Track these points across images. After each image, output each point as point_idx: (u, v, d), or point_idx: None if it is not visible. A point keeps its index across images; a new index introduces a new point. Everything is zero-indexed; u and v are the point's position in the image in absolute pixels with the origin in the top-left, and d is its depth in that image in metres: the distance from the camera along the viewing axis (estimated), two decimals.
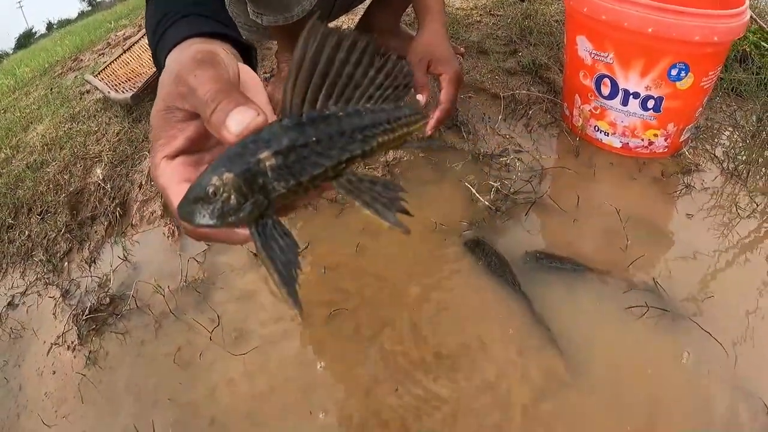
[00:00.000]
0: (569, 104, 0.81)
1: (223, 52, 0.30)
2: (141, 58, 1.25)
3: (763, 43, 1.08)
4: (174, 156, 0.28)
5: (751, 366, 0.53)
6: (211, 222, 0.23)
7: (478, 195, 0.67)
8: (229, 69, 0.29)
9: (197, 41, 0.33)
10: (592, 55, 0.72)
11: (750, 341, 0.55)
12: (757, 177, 0.78)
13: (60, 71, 1.86)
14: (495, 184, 0.68)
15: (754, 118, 0.88)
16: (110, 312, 0.74)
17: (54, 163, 1.08)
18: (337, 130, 0.23)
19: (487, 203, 0.67)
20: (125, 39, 1.75)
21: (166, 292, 0.73)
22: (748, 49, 1.09)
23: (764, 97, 0.93)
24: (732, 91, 0.97)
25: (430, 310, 0.59)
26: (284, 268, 0.23)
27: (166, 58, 0.33)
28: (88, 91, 1.34)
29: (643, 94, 0.70)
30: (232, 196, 0.23)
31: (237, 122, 0.24)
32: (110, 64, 1.29)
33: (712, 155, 0.80)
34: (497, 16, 1.13)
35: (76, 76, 1.63)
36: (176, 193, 0.26)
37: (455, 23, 1.12)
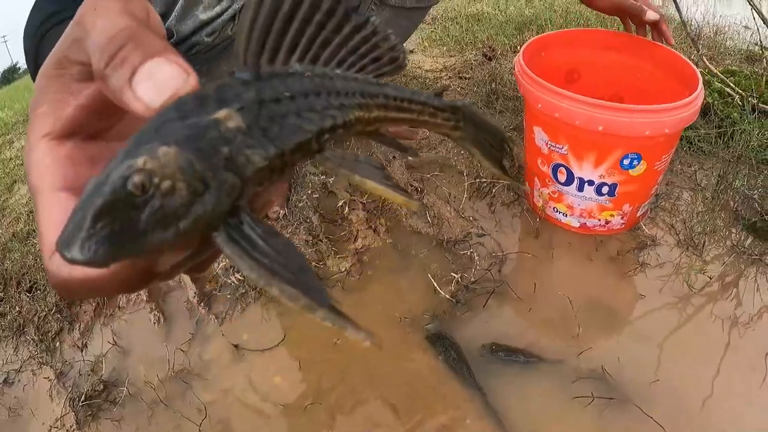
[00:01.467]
0: (530, 185, 0.91)
1: None
2: None
3: (728, 90, 1.16)
4: (62, 136, 0.20)
5: None
6: (143, 241, 0.14)
7: (438, 288, 0.79)
8: (139, 3, 0.21)
9: None
10: (548, 146, 0.81)
11: (691, 424, 0.65)
12: (714, 244, 0.89)
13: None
14: (456, 276, 0.80)
15: (713, 179, 0.98)
16: (105, 398, 0.87)
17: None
18: (311, 89, 0.19)
19: (447, 296, 0.78)
20: None
21: (156, 380, 0.85)
22: (710, 100, 1.18)
23: (727, 152, 1.03)
24: (693, 147, 1.06)
25: (389, 405, 0.71)
26: (297, 279, 0.16)
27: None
28: None
29: (597, 181, 0.80)
30: (180, 185, 0.15)
31: (152, 85, 0.17)
32: None
33: (670, 225, 0.90)
34: (465, 79, 1.22)
35: None
36: (51, 203, 0.19)
37: (424, 88, 1.21)
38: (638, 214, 0.88)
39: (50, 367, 0.93)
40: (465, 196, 0.93)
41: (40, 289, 1.04)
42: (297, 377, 0.78)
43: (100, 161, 0.20)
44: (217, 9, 0.64)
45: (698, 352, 0.73)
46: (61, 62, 0.20)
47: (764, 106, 1.20)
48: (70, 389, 0.89)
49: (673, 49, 0.88)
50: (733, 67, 1.35)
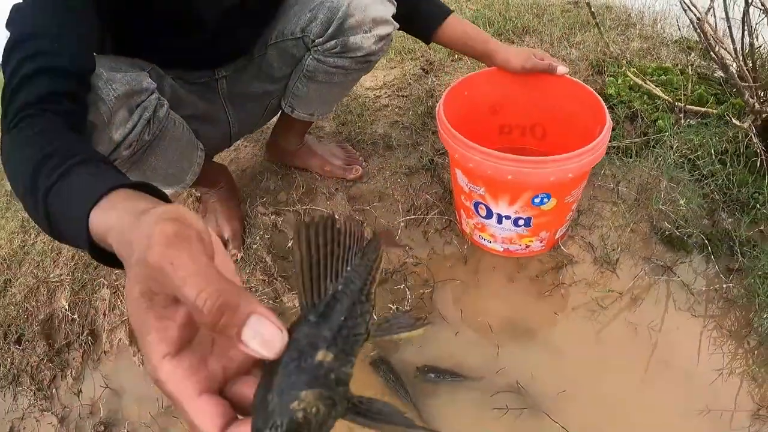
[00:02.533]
0: (458, 214, 1.08)
1: (191, 214, 0.29)
2: None
3: (656, 91, 1.31)
4: (177, 352, 0.27)
5: None
6: None
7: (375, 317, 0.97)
8: (204, 242, 0.28)
9: (130, 195, 0.35)
10: (468, 186, 0.97)
11: (593, 427, 0.83)
12: (629, 258, 1.06)
13: None
14: (392, 307, 0.98)
15: (634, 191, 1.16)
16: None
17: (17, 283, 1.37)
18: (350, 301, 0.29)
19: None
20: None
21: (149, 417, 1.05)
22: (638, 105, 1.33)
23: (649, 163, 1.19)
24: (620, 158, 1.22)
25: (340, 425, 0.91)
26: (397, 421, 0.29)
27: (87, 212, 0.35)
28: None
29: (513, 216, 0.95)
30: (322, 407, 0.25)
31: (261, 344, 0.25)
32: None
33: (588, 243, 1.07)
34: (404, 97, 1.37)
35: None
36: (198, 410, 0.26)
37: (365, 110, 1.36)
38: (557, 237, 1.05)
39: (51, 413, 1.11)
40: (401, 225, 1.10)
41: (28, 340, 1.22)
42: None
43: (205, 365, 0.28)
44: (129, 125, 0.72)
45: (605, 364, 0.91)
46: (147, 294, 0.26)
47: (692, 107, 1.36)
48: None
49: (586, 85, 1.04)
50: (667, 64, 1.50)
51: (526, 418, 0.86)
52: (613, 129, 1.30)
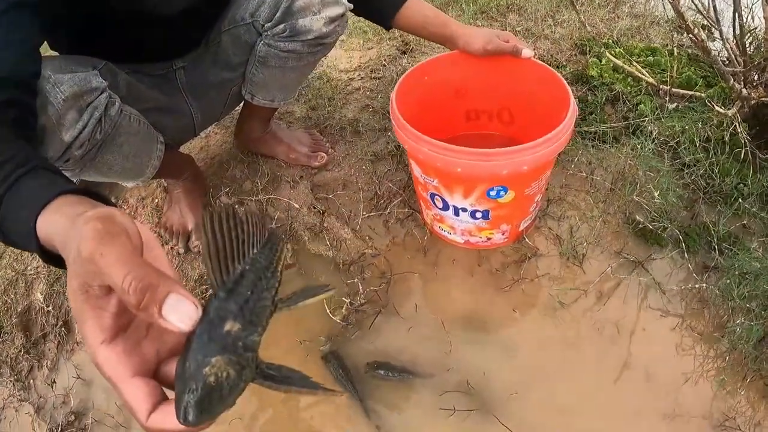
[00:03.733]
0: (419, 205, 1.05)
1: (119, 214, 0.33)
2: None
3: (638, 73, 1.24)
4: (111, 338, 0.30)
5: None
6: (230, 402, 0.29)
7: (330, 313, 0.96)
8: (131, 236, 0.31)
9: (72, 200, 0.38)
10: (423, 178, 0.93)
11: (544, 430, 0.80)
12: (597, 252, 1.00)
13: None
14: (346, 301, 0.96)
15: (609, 181, 1.10)
16: (77, 427, 1.09)
17: None
18: (254, 277, 0.33)
19: (338, 320, 0.95)
20: None
21: (115, 407, 1.07)
22: (621, 88, 1.25)
23: (628, 149, 1.13)
24: (596, 145, 1.16)
25: (290, 417, 0.90)
26: (302, 384, 0.34)
27: (35, 219, 0.38)
28: None
29: (469, 209, 0.91)
30: (231, 371, 0.29)
31: (179, 318, 0.28)
32: None
33: (555, 235, 1.02)
34: (377, 79, 1.33)
35: None
36: (131, 391, 0.30)
37: (336, 93, 1.33)
38: (520, 228, 1.01)
39: (29, 402, 1.15)
40: (363, 215, 1.08)
41: (7, 332, 1.25)
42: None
43: (138, 350, 0.32)
44: (79, 125, 0.72)
45: (561, 365, 0.87)
46: (83, 287, 0.30)
47: (678, 90, 1.28)
48: (48, 422, 1.11)
49: (551, 69, 0.98)
50: (657, 43, 1.42)
51: (475, 420, 0.83)
52: (592, 113, 1.24)
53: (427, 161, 0.86)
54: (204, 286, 1.07)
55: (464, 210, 0.93)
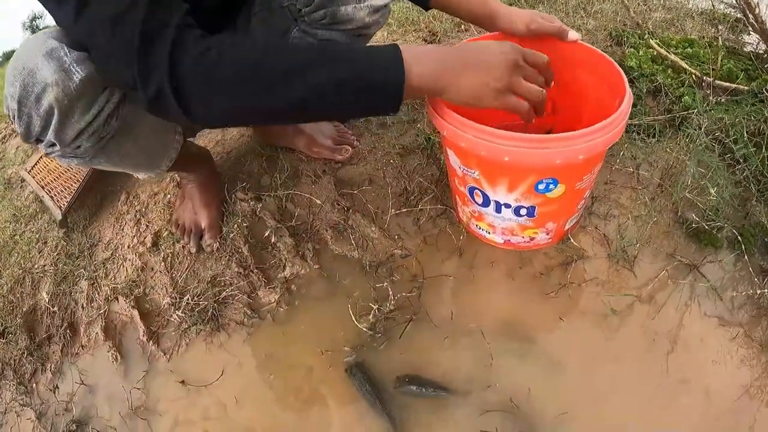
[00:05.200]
0: (454, 201, 0.90)
1: None
2: None
3: (682, 63, 1.09)
4: None
5: None
6: None
7: (355, 321, 0.80)
8: None
9: None
10: (462, 169, 0.78)
11: None
12: (648, 254, 0.84)
13: (3, 134, 1.98)
14: (374, 307, 0.81)
15: (657, 176, 0.94)
16: None
17: (6, 274, 1.25)
18: None
19: (364, 328, 0.80)
20: None
21: (118, 418, 0.92)
22: (662, 79, 1.10)
23: (675, 143, 0.98)
24: (639, 137, 1.01)
25: None
26: None
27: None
28: (24, 179, 1.48)
29: (513, 204, 0.76)
30: None
31: None
32: (42, 156, 1.41)
33: (602, 236, 0.87)
34: None
35: (17, 148, 1.76)
36: None
37: None
38: (566, 228, 0.86)
39: (30, 408, 1.00)
40: (391, 212, 0.92)
41: (11, 332, 1.11)
42: (232, 412, 0.83)
43: None
44: (93, 110, 0.63)
45: (614, 381, 0.72)
46: None
47: (721, 83, 1.13)
48: (49, 429, 0.96)
49: (603, 53, 0.83)
50: (693, 35, 1.27)
51: None
52: (634, 105, 1.09)
53: (469, 149, 0.71)
54: (217, 288, 0.92)
55: (507, 206, 0.78)
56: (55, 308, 1.11)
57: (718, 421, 0.68)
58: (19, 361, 1.09)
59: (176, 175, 1.02)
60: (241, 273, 0.91)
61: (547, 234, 0.84)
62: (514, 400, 0.71)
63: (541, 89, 0.64)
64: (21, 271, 1.22)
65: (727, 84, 1.15)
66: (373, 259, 0.88)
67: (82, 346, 1.05)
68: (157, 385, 0.91)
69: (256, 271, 0.90)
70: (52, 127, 0.61)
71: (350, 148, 1.02)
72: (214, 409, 0.84)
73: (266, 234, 0.92)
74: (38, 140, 0.65)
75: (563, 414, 0.69)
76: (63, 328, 1.08)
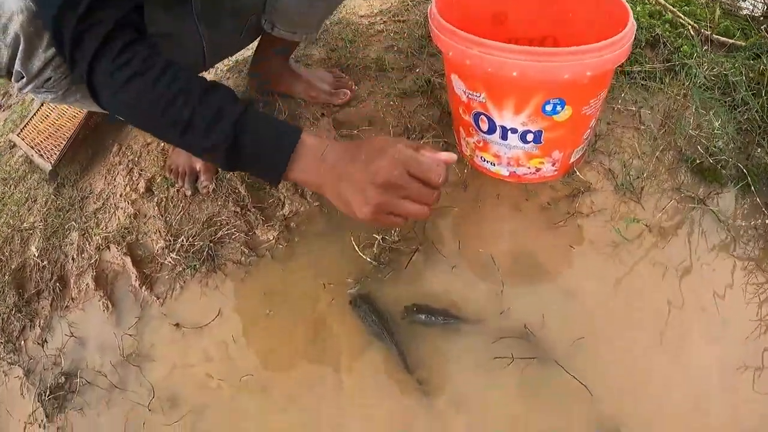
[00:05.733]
0: (457, 134, 0.85)
1: None
2: (58, 107, 1.31)
3: (680, 19, 1.06)
4: None
5: (614, 405, 0.60)
6: None
7: (359, 252, 0.76)
8: None
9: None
10: (467, 94, 0.75)
11: (613, 381, 0.62)
12: (654, 188, 0.81)
13: None
14: (377, 237, 0.76)
15: (658, 117, 0.91)
16: (68, 389, 0.87)
17: None
18: None
19: (369, 259, 0.75)
20: None
21: (109, 366, 0.86)
22: (660, 31, 1.08)
23: (676, 87, 0.95)
24: (638, 83, 0.98)
25: (314, 375, 0.70)
26: None
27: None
28: (14, 145, 1.41)
29: (520, 129, 0.73)
30: None
31: None
32: (31, 119, 1.35)
33: (608, 169, 0.83)
34: (401, 22, 1.14)
35: (5, 120, 1.69)
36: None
37: (358, 36, 1.13)
38: (571, 160, 0.82)
39: (18, 365, 0.94)
40: None
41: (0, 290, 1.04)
42: (232, 352, 0.77)
43: None
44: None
45: (628, 308, 0.69)
46: None
47: (718, 37, 1.11)
48: (37, 385, 0.90)
49: None
50: None
51: (536, 370, 0.65)
52: (633, 53, 1.06)
53: (475, 67, 0.67)
54: (213, 228, 0.86)
55: (514, 131, 0.74)
56: (45, 262, 1.04)
57: (736, 349, 0.64)
58: (7, 318, 1.02)
59: None
60: (237, 212, 0.86)
61: (553, 165, 0.80)
62: (528, 327, 0.66)
63: (422, 207, 0.57)
64: (10, 230, 1.15)
65: (725, 39, 1.13)
66: None
67: (72, 298, 0.98)
68: (151, 331, 0.85)
69: (253, 210, 0.85)
70: (18, 57, 0.58)
71: (348, 92, 0.98)
72: (214, 351, 0.78)
73: None
74: (8, 73, 0.61)
75: (580, 339, 0.65)
76: (52, 281, 1.01)
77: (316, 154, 0.56)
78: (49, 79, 0.62)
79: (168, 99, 0.54)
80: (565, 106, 0.71)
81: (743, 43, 1.10)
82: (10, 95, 1.92)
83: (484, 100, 0.73)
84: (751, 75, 0.99)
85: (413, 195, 0.56)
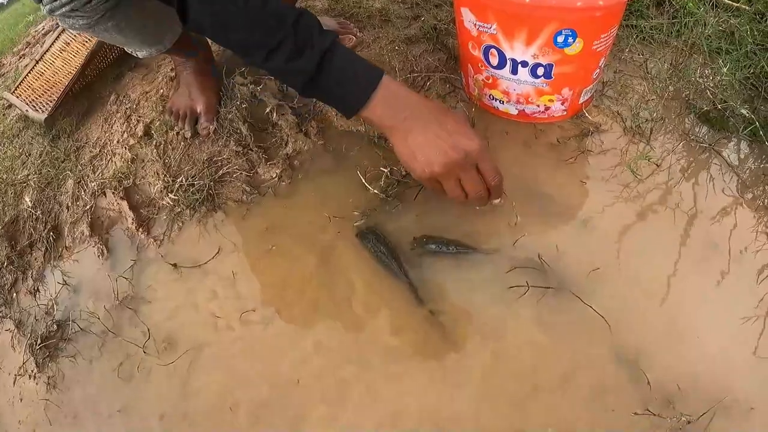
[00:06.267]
0: (464, 73, 0.82)
1: None
2: (54, 65, 1.26)
3: None
4: None
5: (631, 335, 0.58)
6: None
7: (366, 184, 0.72)
8: None
9: None
10: (477, 27, 0.72)
11: (630, 311, 0.60)
12: (663, 133, 0.80)
13: None
14: (385, 170, 0.73)
15: (666, 65, 0.89)
16: (59, 337, 0.82)
17: None
18: None
19: (376, 191, 0.72)
20: (44, 35, 1.73)
21: (103, 311, 0.81)
22: None
23: (680, 41, 0.93)
24: (644, 36, 0.96)
25: (322, 305, 0.66)
26: None
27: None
28: (10, 106, 1.36)
29: (531, 62, 0.70)
30: None
31: None
32: (26, 77, 1.29)
33: (616, 113, 0.80)
34: None
35: None
36: None
37: None
38: (581, 101, 0.79)
39: (9, 318, 0.89)
40: None
41: None
42: (233, 288, 0.73)
43: None
44: None
45: (642, 241, 0.66)
46: None
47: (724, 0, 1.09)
48: (28, 336, 0.85)
49: None
50: None
51: (551, 300, 0.62)
52: (638, 10, 1.04)
53: None
54: (214, 167, 0.82)
55: (524, 65, 0.71)
56: (39, 213, 0.99)
57: (751, 283, 0.62)
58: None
59: (174, 59, 0.92)
60: (239, 152, 0.82)
61: (563, 104, 0.77)
62: (542, 257, 0.63)
63: (480, 192, 0.61)
64: (3, 184, 1.10)
65: (729, 2, 1.10)
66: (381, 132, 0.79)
67: (66, 247, 0.94)
68: (147, 273, 0.81)
69: (255, 149, 0.81)
70: None
71: (353, 37, 0.94)
72: (213, 289, 0.74)
73: (266, 111, 0.83)
74: None
75: (595, 270, 0.62)
76: (46, 231, 0.96)
77: (394, 98, 0.56)
78: (92, 0, 0.57)
79: (261, 20, 0.51)
80: (577, 38, 0.68)
81: (747, 8, 1.08)
82: (3, 64, 1.87)
83: (495, 32, 0.70)
84: (756, 33, 0.97)
85: (470, 181, 0.59)
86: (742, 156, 0.80)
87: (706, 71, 0.88)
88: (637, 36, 0.94)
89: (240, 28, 0.52)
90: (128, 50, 0.74)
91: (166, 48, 0.76)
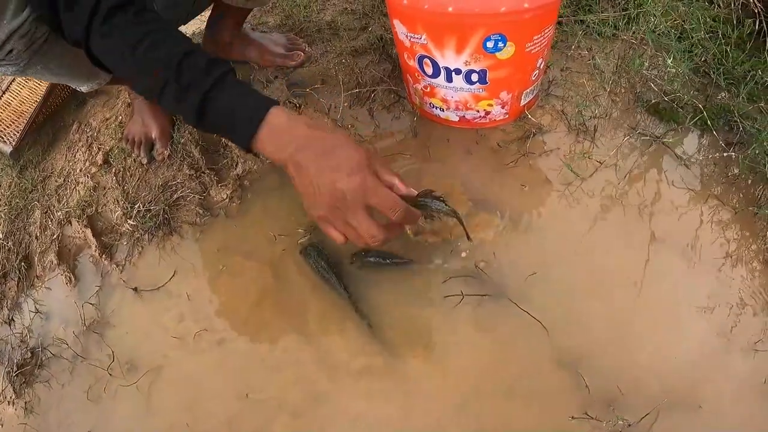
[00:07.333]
0: (406, 83, 0.83)
1: None
2: (20, 94, 1.29)
3: None
4: None
5: (571, 339, 0.59)
6: None
7: None
8: None
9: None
10: (409, 38, 0.72)
11: (569, 316, 0.61)
12: (609, 128, 0.80)
13: None
14: None
15: (614, 60, 0.89)
16: (34, 364, 0.86)
17: None
18: None
19: None
20: None
21: (72, 336, 0.84)
22: None
23: (630, 35, 0.93)
24: (593, 30, 0.96)
25: (268, 318, 0.68)
26: None
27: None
28: None
29: (464, 69, 0.71)
30: None
31: None
32: None
33: (560, 112, 0.81)
34: None
35: None
36: None
37: (312, 1, 1.12)
38: (523, 103, 0.80)
39: None
40: (344, 105, 0.86)
41: None
42: (189, 309, 0.76)
43: None
44: (25, 13, 0.57)
45: (583, 242, 0.67)
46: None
47: None
48: (6, 364, 0.88)
49: None
50: None
51: (489, 307, 0.63)
52: (588, 2, 1.05)
53: (412, 7, 0.65)
54: (168, 192, 0.85)
55: (458, 72, 0.72)
56: (10, 244, 1.02)
57: (699, 279, 0.63)
58: None
59: (124, 89, 0.94)
60: (192, 175, 0.84)
61: (503, 107, 0.78)
62: (479, 266, 0.64)
63: (359, 238, 0.55)
64: None
65: None
66: None
67: (37, 276, 0.97)
68: (111, 298, 0.84)
69: (207, 171, 0.83)
70: None
71: (302, 53, 0.96)
72: (169, 310, 0.77)
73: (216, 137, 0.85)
74: None
75: (532, 275, 0.63)
76: (18, 261, 0.99)
77: (280, 131, 0.54)
78: (12, 51, 0.59)
79: (147, 65, 0.54)
80: (507, 43, 0.69)
81: None
82: None
83: (425, 42, 0.71)
84: (709, 17, 0.97)
85: (358, 225, 0.54)
86: (690, 147, 0.81)
87: (656, 62, 0.89)
88: (583, 32, 0.95)
89: (132, 72, 0.55)
90: (72, 86, 0.77)
91: (105, 81, 0.78)
